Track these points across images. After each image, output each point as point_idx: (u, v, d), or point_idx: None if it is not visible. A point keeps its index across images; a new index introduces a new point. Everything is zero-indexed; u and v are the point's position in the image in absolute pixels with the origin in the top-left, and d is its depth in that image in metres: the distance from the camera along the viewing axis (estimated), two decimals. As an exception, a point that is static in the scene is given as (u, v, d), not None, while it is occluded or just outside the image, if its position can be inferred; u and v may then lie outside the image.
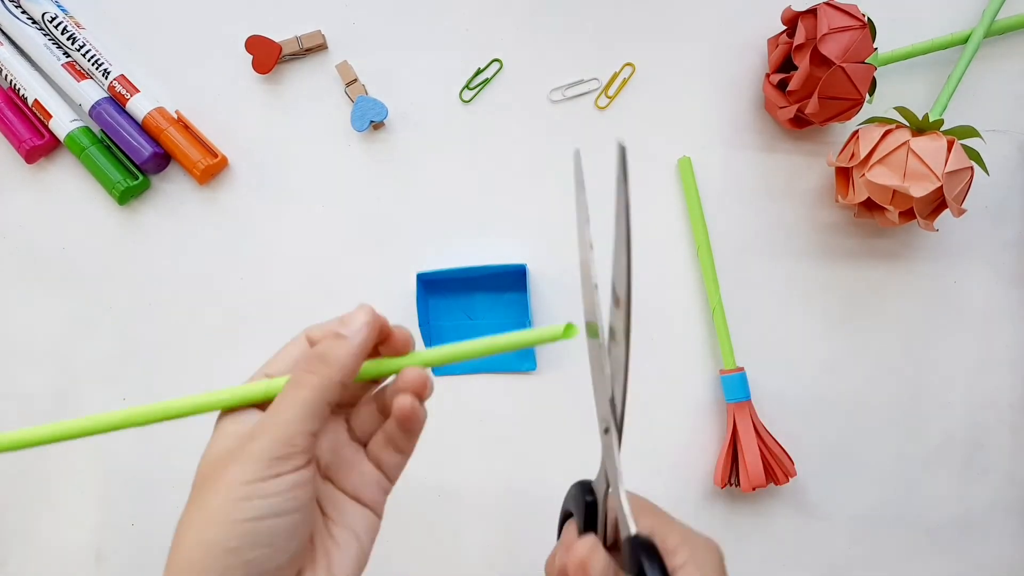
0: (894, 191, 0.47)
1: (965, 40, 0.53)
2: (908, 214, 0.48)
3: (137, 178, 0.54)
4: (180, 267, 0.55)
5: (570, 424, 0.53)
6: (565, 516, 0.33)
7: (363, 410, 0.32)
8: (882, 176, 0.47)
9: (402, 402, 0.29)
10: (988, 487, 0.54)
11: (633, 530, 0.27)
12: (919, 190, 0.46)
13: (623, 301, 0.27)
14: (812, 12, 0.49)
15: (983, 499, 0.54)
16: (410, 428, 0.31)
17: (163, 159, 0.54)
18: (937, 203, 0.49)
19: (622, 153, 0.24)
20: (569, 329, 0.29)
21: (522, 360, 0.54)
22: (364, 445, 0.32)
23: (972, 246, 0.55)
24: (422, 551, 0.53)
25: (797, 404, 0.53)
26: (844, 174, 0.52)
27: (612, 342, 0.28)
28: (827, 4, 0.49)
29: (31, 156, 0.54)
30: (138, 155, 0.53)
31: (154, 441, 0.53)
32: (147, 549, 0.53)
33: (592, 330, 0.29)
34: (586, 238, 0.29)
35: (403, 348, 0.31)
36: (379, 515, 0.31)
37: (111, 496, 0.53)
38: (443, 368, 0.53)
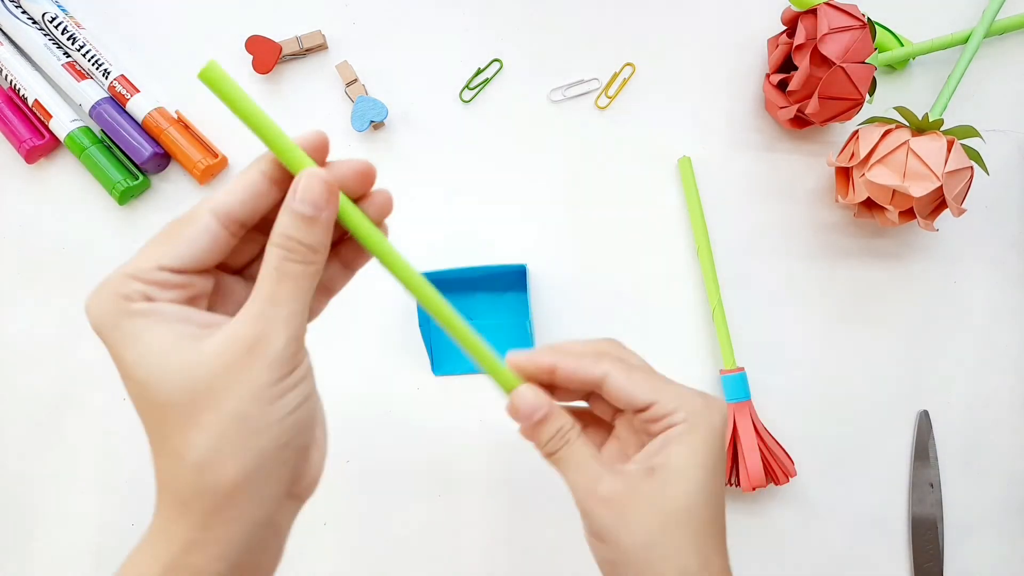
0: (894, 191, 0.47)
1: (965, 40, 0.53)
2: (908, 214, 0.48)
3: (137, 178, 0.54)
4: (180, 267, 0.55)
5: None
6: None
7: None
8: (882, 176, 0.47)
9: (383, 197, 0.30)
10: (988, 487, 0.54)
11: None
12: (919, 190, 0.46)
13: None
14: (812, 12, 0.49)
15: (983, 499, 0.53)
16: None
17: (163, 159, 0.54)
18: (937, 203, 0.49)
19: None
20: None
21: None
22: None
23: (972, 246, 0.55)
24: (422, 551, 0.53)
25: (797, 404, 0.53)
26: (844, 174, 0.52)
27: None
28: (827, 4, 0.49)
29: (31, 156, 0.54)
30: (138, 155, 0.53)
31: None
32: (147, 549, 0.53)
33: None
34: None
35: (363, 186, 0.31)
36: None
37: (111, 496, 0.53)
38: (444, 368, 0.53)
